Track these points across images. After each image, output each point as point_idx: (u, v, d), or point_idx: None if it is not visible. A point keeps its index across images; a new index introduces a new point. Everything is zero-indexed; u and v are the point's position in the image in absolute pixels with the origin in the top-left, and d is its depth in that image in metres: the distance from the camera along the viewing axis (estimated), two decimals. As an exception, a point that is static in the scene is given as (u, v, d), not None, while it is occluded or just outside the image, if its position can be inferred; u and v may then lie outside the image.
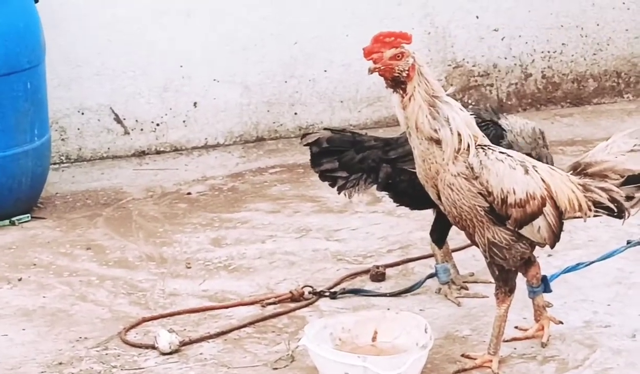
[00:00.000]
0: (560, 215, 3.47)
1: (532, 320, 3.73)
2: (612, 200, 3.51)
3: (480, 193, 3.38)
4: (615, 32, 6.16)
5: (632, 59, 6.22)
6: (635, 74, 6.24)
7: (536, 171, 3.45)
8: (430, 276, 4.05)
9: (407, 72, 3.34)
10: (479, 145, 3.40)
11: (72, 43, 5.43)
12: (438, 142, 3.37)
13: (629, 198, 3.52)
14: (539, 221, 3.43)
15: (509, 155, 3.44)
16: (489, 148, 3.43)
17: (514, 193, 3.39)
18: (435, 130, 3.36)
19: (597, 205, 3.51)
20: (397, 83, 3.36)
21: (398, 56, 3.34)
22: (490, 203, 3.38)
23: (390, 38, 3.35)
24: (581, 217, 3.50)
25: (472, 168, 3.37)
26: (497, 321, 3.52)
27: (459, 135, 3.36)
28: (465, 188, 3.38)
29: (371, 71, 3.36)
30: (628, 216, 3.54)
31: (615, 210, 3.51)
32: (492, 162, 3.39)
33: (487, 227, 3.42)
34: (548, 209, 3.43)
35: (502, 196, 3.38)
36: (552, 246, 3.52)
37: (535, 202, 3.41)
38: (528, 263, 3.61)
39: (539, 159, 3.69)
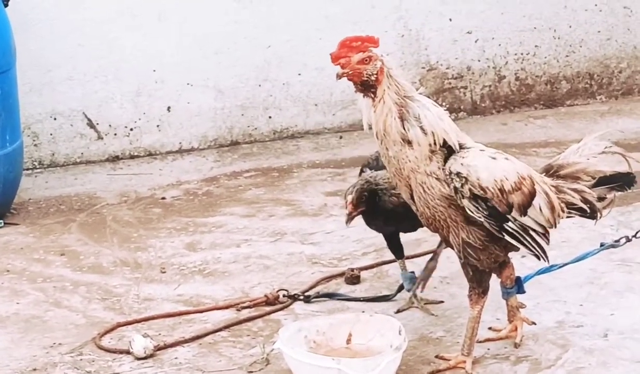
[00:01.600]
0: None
1: (506, 321, 3.74)
2: (585, 201, 3.53)
3: (451, 197, 3.37)
4: (588, 33, 6.19)
5: (605, 61, 6.26)
6: (607, 76, 6.27)
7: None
8: (402, 287, 4.03)
9: (375, 75, 3.34)
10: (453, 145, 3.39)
11: (43, 47, 5.40)
12: (410, 143, 3.38)
13: (600, 199, 3.56)
14: (537, 200, 3.42)
15: (482, 149, 3.43)
16: (462, 148, 3.40)
17: (507, 179, 3.38)
18: (404, 132, 3.35)
19: (570, 206, 3.53)
20: (366, 87, 3.36)
21: (366, 60, 3.33)
22: (490, 199, 3.35)
23: (357, 42, 3.34)
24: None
25: (458, 174, 3.34)
26: (471, 322, 3.53)
27: (433, 133, 3.36)
28: (436, 188, 3.38)
29: (339, 76, 3.35)
30: (600, 217, 3.57)
31: (588, 210, 3.54)
32: (473, 158, 3.37)
33: (461, 227, 3.42)
34: (538, 187, 3.44)
35: (499, 187, 3.37)
36: (554, 226, 3.48)
37: (527, 181, 3.41)
38: (502, 264, 3.61)
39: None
